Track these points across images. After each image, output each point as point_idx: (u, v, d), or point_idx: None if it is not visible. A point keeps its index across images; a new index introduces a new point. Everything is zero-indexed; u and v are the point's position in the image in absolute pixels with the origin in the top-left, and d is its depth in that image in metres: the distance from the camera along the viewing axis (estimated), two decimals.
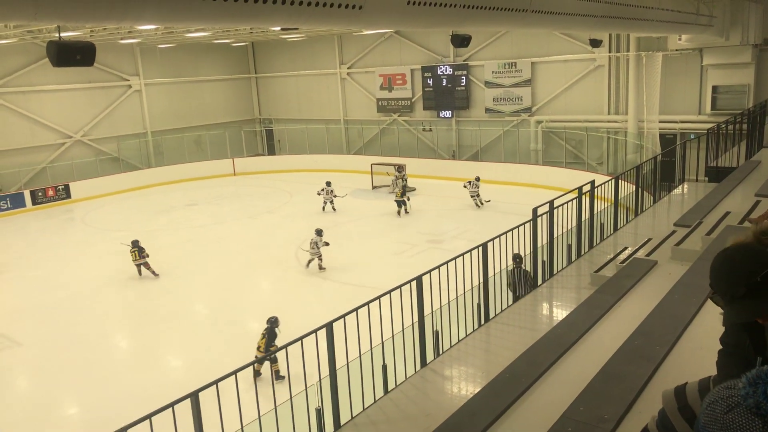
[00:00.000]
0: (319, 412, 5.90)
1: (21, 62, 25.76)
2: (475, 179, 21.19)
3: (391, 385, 6.14)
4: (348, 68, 31.19)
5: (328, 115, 32.22)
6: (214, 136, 31.71)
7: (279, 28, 24.56)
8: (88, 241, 19.66)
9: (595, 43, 21.37)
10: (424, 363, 6.45)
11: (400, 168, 23.97)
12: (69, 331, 12.40)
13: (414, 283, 6.45)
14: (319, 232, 15.19)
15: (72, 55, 8.18)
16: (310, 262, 15.23)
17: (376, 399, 5.86)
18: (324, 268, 15.03)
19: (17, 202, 24.15)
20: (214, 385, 4.61)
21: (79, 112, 27.84)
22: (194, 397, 4.33)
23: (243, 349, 10.85)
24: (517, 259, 9.58)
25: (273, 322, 9.83)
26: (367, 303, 5.97)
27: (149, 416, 4.06)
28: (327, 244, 15.02)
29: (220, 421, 4.52)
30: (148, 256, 15.26)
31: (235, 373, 4.57)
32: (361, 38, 30.16)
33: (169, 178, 28.45)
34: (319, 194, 21.43)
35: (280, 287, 14.66)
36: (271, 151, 34.07)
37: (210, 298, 14.13)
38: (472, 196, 20.83)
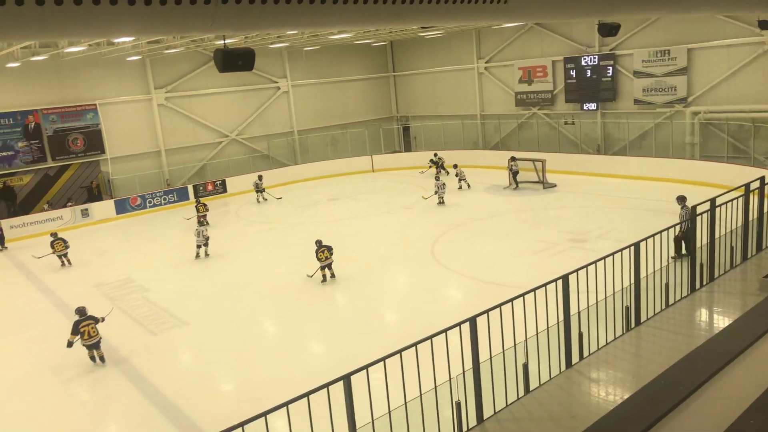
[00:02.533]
0: (459, 406, 5.95)
1: (186, 69, 28.50)
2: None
3: (532, 385, 6.04)
4: (486, 62, 30.84)
5: (465, 110, 32.09)
6: (354, 134, 32.92)
7: (418, 27, 24.89)
8: (240, 233, 21.33)
9: (765, 25, 19.21)
10: (569, 364, 6.26)
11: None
12: (227, 314, 13.56)
13: (559, 282, 6.29)
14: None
15: (235, 61, 8.90)
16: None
17: (519, 397, 5.80)
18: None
19: (182, 195, 26.83)
20: (356, 372, 4.83)
21: (234, 113, 30.24)
22: (347, 379, 4.57)
23: (380, 340, 11.22)
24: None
25: None
26: (511, 300, 5.92)
27: (306, 395, 4.36)
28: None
29: (370, 404, 4.73)
30: (328, 258, 14.90)
31: (383, 359, 4.75)
32: (499, 31, 29.67)
33: (312, 174, 30.00)
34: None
35: (416, 281, 14.89)
36: (408, 148, 34.67)
37: (347, 289, 14.71)
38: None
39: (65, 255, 18.61)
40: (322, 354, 11.56)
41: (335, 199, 25.41)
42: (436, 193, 22.12)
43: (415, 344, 4.96)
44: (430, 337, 5.14)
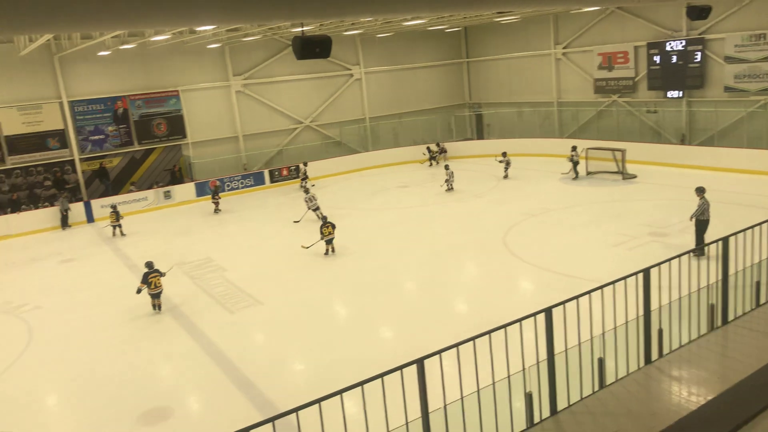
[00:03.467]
0: (531, 397, 5.88)
1: (263, 56, 29.22)
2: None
3: (608, 380, 5.89)
4: (563, 48, 29.90)
5: (540, 97, 31.30)
6: (425, 121, 32.79)
7: (495, 12, 24.40)
8: (312, 217, 21.75)
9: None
10: (648, 360, 6.05)
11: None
12: (299, 296, 13.94)
13: (640, 276, 6.07)
14: None
15: (312, 48, 9.07)
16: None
17: (594, 391, 5.67)
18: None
19: (259, 179, 27.65)
20: (429, 357, 4.85)
21: (308, 100, 30.79)
22: (420, 363, 4.62)
23: (449, 328, 11.22)
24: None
25: None
26: (588, 292, 5.78)
27: (380, 376, 4.44)
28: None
29: (442, 389, 4.76)
30: (330, 234, 16.61)
31: (457, 345, 4.76)
32: (578, 16, 28.66)
33: (383, 161, 30.18)
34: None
35: (487, 271, 14.76)
36: (480, 136, 34.21)
37: (418, 277, 14.77)
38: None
39: (119, 226, 21.35)
40: (392, 339, 11.69)
41: (405, 187, 25.47)
42: (446, 181, 23.35)
43: (488, 332, 4.94)
44: (504, 326, 5.10)
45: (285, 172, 28.42)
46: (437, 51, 34.36)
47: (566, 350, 5.66)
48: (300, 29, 17.42)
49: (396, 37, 32.09)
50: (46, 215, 23.45)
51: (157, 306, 13.62)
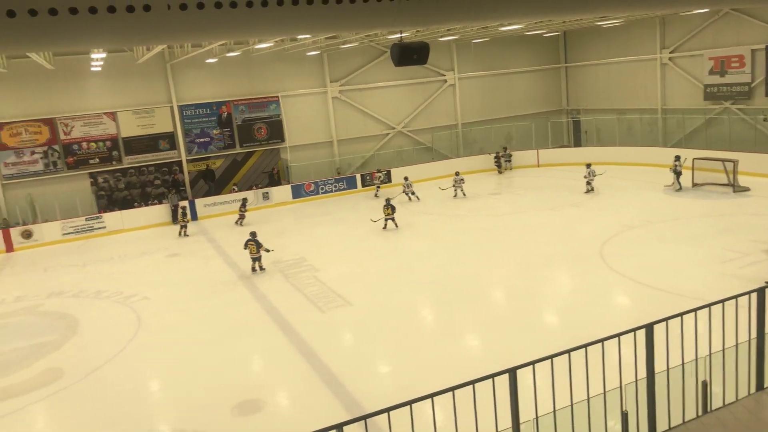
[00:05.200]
0: (626, 416, 5.62)
1: (359, 63, 29.84)
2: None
3: (714, 404, 5.52)
4: (670, 52, 28.37)
5: (643, 104, 29.86)
6: (520, 128, 32.17)
7: (598, 16, 23.56)
8: (405, 221, 21.92)
9: None
10: (760, 387, 5.62)
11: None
12: (388, 299, 14.08)
13: (753, 296, 5.65)
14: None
15: (410, 55, 9.13)
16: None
17: (698, 415, 5.34)
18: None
19: (351, 183, 28.24)
20: (522, 367, 4.76)
21: (401, 106, 31.10)
22: (512, 372, 4.54)
23: (539, 339, 10.93)
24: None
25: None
26: (694, 310, 5.45)
27: (472, 382, 4.41)
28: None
29: (534, 399, 4.66)
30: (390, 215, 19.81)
31: (551, 357, 4.64)
32: (688, 18, 27.10)
33: (475, 167, 29.88)
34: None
35: (582, 283, 14.24)
36: (578, 143, 33.11)
37: (508, 286, 14.50)
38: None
39: (186, 225, 23.02)
40: (479, 347, 11.55)
41: (497, 194, 25.10)
42: (453, 186, 24.72)
43: (584, 346, 4.78)
44: (602, 341, 4.91)
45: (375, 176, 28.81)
46: (534, 56, 33.65)
47: (668, 370, 5.37)
48: (398, 36, 17.64)
49: (491, 43, 31.75)
50: (156, 212, 25.12)
51: (258, 269, 16.86)
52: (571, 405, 4.83)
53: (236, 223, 23.74)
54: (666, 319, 5.22)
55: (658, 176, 23.84)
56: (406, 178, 25.67)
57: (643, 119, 29.57)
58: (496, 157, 29.79)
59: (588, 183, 23.16)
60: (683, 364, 5.42)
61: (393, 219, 20.51)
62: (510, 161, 29.99)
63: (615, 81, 31.35)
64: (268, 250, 17.00)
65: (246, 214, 24.04)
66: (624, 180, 24.35)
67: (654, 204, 20.64)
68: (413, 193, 24.99)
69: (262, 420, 9.48)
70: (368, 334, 12.47)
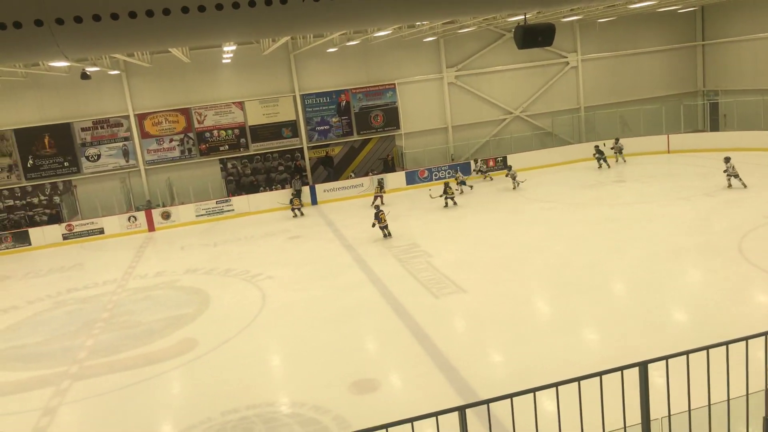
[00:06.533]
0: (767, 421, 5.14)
1: (476, 47, 29.36)
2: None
3: None
4: None
5: None
6: (649, 111, 30.15)
7: None
8: (521, 209, 21.43)
9: None
10: None
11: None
12: (503, 287, 13.86)
13: None
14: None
15: (535, 37, 8.83)
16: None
17: None
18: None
19: (465, 170, 27.95)
20: (654, 361, 4.48)
21: (519, 90, 30.26)
22: (643, 366, 4.31)
23: (665, 336, 10.27)
24: None
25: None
26: None
27: (599, 374, 4.24)
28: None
29: (667, 396, 4.39)
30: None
31: (687, 353, 4.35)
32: None
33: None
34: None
35: (716, 278, 13.15)
36: (714, 127, 30.47)
37: (630, 278, 13.71)
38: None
39: (300, 208, 24.62)
40: (596, 342, 11.06)
41: (622, 182, 23.78)
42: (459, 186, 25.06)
43: (725, 343, 4.41)
44: (746, 338, 4.51)
45: (492, 163, 28.33)
46: (666, 34, 31.30)
47: None
48: (520, 17, 17.15)
49: (618, 22, 29.93)
50: (279, 196, 26.44)
51: (387, 234, 19.21)
52: (709, 405, 4.50)
53: (372, 205, 24.17)
54: None
55: None
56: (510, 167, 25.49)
57: None
58: (597, 151, 26.43)
59: (733, 177, 20.07)
60: None
61: (453, 198, 22.65)
62: (621, 153, 27.14)
63: (761, 58, 28.38)
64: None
65: (383, 195, 24.90)
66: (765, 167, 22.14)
67: None
68: (514, 178, 24.57)
69: (377, 399, 9.73)
70: (482, 321, 12.35)
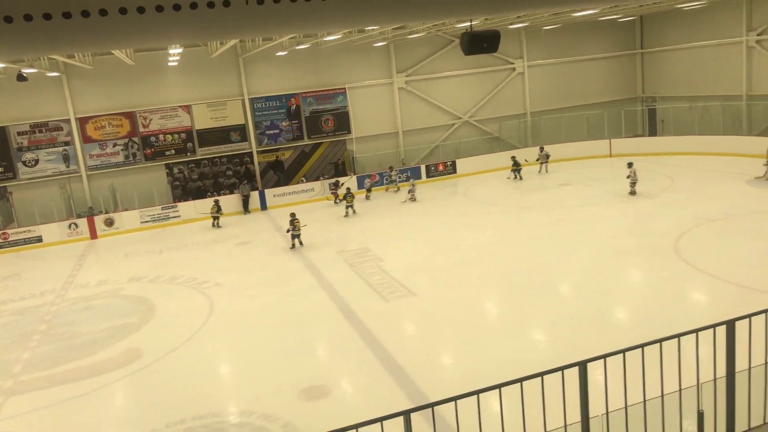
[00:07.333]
0: (702, 416, 5.36)
1: (425, 53, 29.68)
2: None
3: None
4: (758, 35, 26.65)
5: (726, 90, 28.22)
6: (591, 116, 31.13)
7: None
8: (469, 212, 21.74)
9: None
10: None
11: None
12: (452, 291, 14.01)
13: None
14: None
15: (480, 43, 8.99)
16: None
17: None
18: None
19: (415, 174, 28.17)
20: (592, 360, 4.62)
21: (467, 96, 30.74)
22: (582, 365, 4.43)
23: (608, 335, 10.60)
24: None
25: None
26: None
27: (540, 374, 4.33)
28: None
29: (605, 394, 4.52)
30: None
31: (623, 351, 4.49)
32: None
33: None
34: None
35: (654, 278, 13.67)
36: (653, 132, 31.73)
37: (575, 280, 14.10)
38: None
39: (218, 219, 23.93)
40: (544, 342, 11.31)
41: (567, 185, 24.43)
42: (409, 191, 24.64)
43: (659, 341, 4.59)
44: (678, 336, 4.70)
45: (441, 168, 28.66)
46: (608, 42, 32.43)
47: (749, 368, 5.08)
48: (467, 24, 17.40)
49: (563, 29, 30.82)
50: (227, 201, 25.98)
51: (294, 245, 18.94)
52: (644, 401, 4.66)
53: (335, 202, 25.39)
54: (749, 316, 4.93)
55: (742, 167, 22.53)
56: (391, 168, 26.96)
57: (727, 107, 27.95)
58: (514, 163, 26.22)
59: (632, 184, 20.91)
60: (767, 362, 5.11)
61: (351, 206, 23.03)
62: (546, 163, 27.01)
63: (695, 66, 29.76)
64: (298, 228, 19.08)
65: (338, 193, 25.46)
66: (702, 171, 23.18)
67: (736, 196, 19.54)
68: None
69: (327, 405, 9.67)
70: (432, 324, 12.45)
